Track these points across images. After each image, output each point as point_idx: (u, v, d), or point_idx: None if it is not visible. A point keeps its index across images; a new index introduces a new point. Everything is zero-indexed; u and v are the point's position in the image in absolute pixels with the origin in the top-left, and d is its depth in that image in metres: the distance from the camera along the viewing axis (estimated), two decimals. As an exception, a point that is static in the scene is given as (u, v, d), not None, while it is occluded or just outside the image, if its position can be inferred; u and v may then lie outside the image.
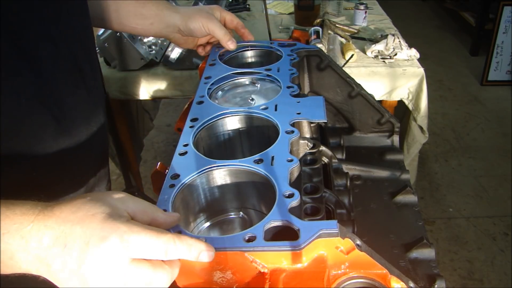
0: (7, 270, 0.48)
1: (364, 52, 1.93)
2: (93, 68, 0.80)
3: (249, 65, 1.04)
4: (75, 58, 0.74)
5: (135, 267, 0.46)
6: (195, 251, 0.48)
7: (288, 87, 0.83)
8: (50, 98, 0.68)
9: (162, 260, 0.48)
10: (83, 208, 0.47)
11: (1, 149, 0.63)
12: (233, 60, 1.02)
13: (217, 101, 0.85)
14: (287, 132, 0.70)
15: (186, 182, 0.64)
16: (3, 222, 0.46)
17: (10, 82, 0.62)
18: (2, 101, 0.61)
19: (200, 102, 0.82)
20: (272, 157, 0.65)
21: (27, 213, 0.48)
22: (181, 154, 0.69)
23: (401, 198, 0.82)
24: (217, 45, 1.01)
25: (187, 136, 0.73)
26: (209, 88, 0.86)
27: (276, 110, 0.77)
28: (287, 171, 0.62)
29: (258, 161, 0.65)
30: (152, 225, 0.51)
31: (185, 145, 0.71)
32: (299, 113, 0.75)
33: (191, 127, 0.75)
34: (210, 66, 0.94)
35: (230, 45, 0.95)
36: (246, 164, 0.65)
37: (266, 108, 0.77)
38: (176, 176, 0.64)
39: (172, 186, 0.63)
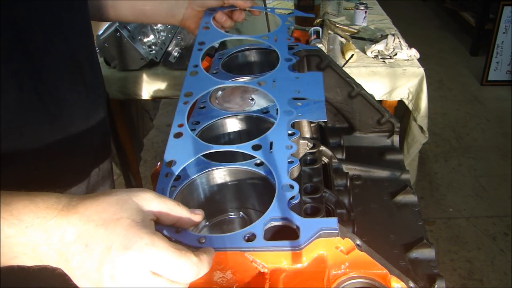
0: (30, 262, 0.48)
1: (364, 52, 1.93)
2: (92, 66, 0.81)
3: (250, 64, 1.04)
4: (74, 55, 0.74)
5: (152, 279, 0.46)
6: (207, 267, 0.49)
7: (287, 60, 0.77)
8: (48, 94, 0.69)
9: None
10: (109, 210, 0.47)
11: (2, 146, 0.63)
12: (233, 60, 1.02)
13: (217, 101, 0.85)
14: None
15: (186, 182, 0.64)
16: (27, 216, 0.47)
17: (11, 78, 0.63)
18: (2, 97, 0.61)
19: (194, 73, 0.74)
20: (271, 143, 0.64)
21: (51, 207, 0.47)
22: (176, 136, 0.64)
23: (401, 198, 0.82)
24: (210, 9, 0.94)
25: (181, 115, 0.67)
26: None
27: (274, 87, 0.72)
28: (286, 160, 0.61)
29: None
30: (177, 225, 0.52)
31: (180, 126, 0.66)
32: (298, 91, 0.71)
33: (185, 103, 0.69)
34: (204, 30, 0.84)
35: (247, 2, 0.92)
36: (243, 150, 0.64)
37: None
38: (171, 163, 0.61)
39: (167, 175, 0.60)
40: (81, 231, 0.46)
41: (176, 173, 0.61)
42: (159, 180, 0.59)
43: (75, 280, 0.47)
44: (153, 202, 0.50)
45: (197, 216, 0.54)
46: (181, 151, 0.62)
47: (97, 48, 1.73)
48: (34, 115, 0.67)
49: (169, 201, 0.52)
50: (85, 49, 0.78)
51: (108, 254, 0.45)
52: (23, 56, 0.64)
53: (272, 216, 0.54)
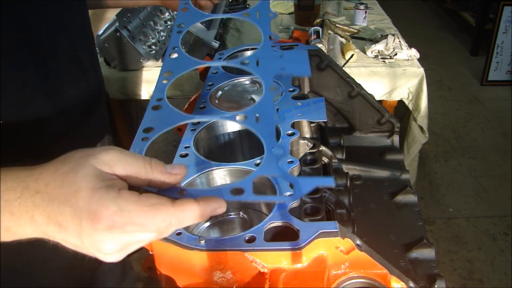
0: (11, 237, 0.46)
1: (364, 52, 1.93)
2: (93, 62, 0.82)
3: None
4: (76, 51, 0.76)
5: (134, 236, 0.44)
6: (202, 213, 0.44)
7: (270, 38, 0.72)
8: (52, 88, 0.70)
9: None
10: (66, 182, 0.44)
11: (7, 139, 0.64)
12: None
13: (216, 101, 0.85)
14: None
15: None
16: None
17: (16, 71, 0.64)
18: (7, 89, 0.63)
19: (173, 54, 0.69)
20: (257, 117, 0.58)
21: (12, 187, 0.45)
22: (153, 108, 0.61)
23: (401, 198, 0.82)
24: None
25: (160, 92, 0.64)
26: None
27: (258, 65, 0.67)
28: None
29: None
30: (150, 185, 0.47)
31: (159, 100, 0.63)
32: (283, 68, 0.68)
33: (165, 81, 0.65)
34: (183, 12, 0.78)
35: None
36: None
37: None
38: (148, 130, 0.58)
39: (145, 139, 0.56)
40: (49, 212, 0.44)
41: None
42: (134, 143, 0.55)
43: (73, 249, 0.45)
44: (116, 164, 0.45)
45: (173, 177, 0.47)
46: (159, 120, 0.59)
47: (97, 48, 1.73)
48: (38, 108, 0.68)
49: (137, 160, 0.46)
50: (86, 46, 0.80)
51: (82, 231, 0.43)
52: (27, 50, 0.65)
53: (272, 221, 0.54)
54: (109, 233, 0.42)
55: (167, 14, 2.00)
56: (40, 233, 0.45)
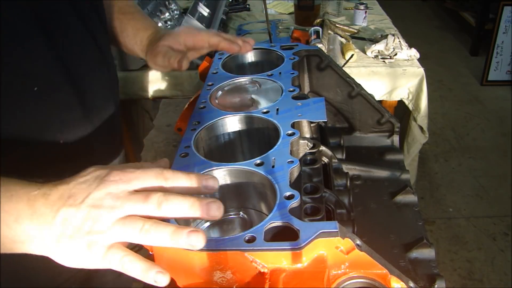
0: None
1: (364, 52, 1.93)
2: (109, 49, 0.85)
3: (249, 65, 1.04)
4: (95, 38, 0.77)
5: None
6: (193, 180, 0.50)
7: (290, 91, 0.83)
8: (74, 75, 0.71)
9: None
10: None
11: (33, 133, 0.66)
12: (233, 60, 1.02)
13: (216, 101, 0.85)
14: (288, 134, 0.70)
15: None
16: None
17: (35, 62, 0.65)
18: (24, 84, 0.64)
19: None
20: (273, 159, 0.65)
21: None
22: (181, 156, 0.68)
23: (401, 198, 0.82)
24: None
25: (187, 141, 0.71)
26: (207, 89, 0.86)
27: (277, 113, 0.76)
28: (287, 173, 0.62)
29: (259, 164, 0.65)
30: None
31: (186, 147, 0.69)
32: (299, 115, 0.75)
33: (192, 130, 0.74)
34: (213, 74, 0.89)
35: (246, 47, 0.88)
36: (246, 166, 0.65)
37: (267, 112, 0.77)
38: None
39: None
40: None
41: None
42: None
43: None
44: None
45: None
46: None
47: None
48: (61, 98, 0.70)
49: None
50: (103, 33, 0.82)
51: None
52: (43, 36, 0.66)
53: (272, 221, 0.54)
54: (114, 184, 0.47)
55: (167, 14, 2.00)
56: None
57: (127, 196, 0.47)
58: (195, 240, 0.45)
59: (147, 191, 0.48)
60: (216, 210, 0.47)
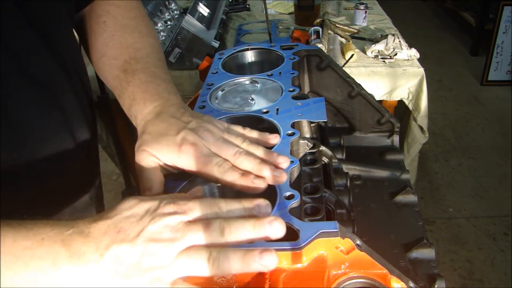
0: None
1: (364, 52, 1.93)
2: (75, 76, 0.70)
3: (249, 64, 1.04)
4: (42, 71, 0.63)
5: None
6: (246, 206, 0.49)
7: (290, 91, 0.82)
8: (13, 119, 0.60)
9: None
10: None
11: None
12: (233, 60, 1.02)
13: (216, 101, 0.85)
14: (288, 134, 0.70)
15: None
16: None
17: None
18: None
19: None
20: None
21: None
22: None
23: (401, 198, 0.82)
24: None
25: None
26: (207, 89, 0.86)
27: (277, 113, 0.76)
28: (287, 173, 0.62)
29: None
30: None
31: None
32: (299, 115, 0.74)
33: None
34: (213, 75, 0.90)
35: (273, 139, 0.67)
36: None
37: (267, 112, 0.77)
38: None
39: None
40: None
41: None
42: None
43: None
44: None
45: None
46: None
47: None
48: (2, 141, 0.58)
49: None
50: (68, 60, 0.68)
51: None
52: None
53: None
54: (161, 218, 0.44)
55: (167, 14, 2.00)
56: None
57: (186, 226, 0.44)
58: (269, 260, 0.42)
59: (206, 220, 0.45)
60: (280, 227, 0.45)
